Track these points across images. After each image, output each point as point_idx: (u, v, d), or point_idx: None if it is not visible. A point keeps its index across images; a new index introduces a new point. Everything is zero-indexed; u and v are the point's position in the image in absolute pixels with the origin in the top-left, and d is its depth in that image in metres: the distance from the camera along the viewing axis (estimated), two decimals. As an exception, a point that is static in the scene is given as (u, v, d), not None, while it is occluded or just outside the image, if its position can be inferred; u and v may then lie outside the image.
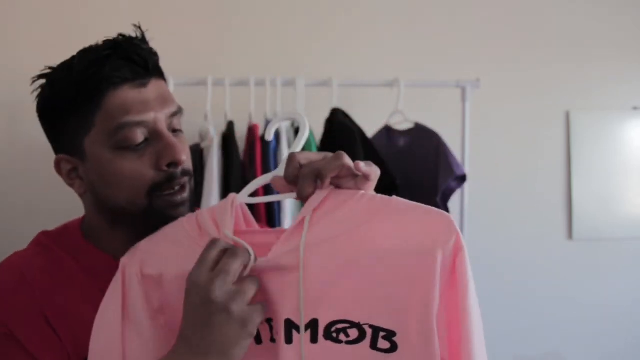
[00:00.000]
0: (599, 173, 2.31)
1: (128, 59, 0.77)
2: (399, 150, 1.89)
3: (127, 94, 0.77)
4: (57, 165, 0.86)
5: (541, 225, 2.28)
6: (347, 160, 0.68)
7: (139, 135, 0.77)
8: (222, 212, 0.72)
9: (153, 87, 0.79)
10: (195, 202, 0.91)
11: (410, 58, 2.14)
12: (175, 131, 0.81)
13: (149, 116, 0.77)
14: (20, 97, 1.90)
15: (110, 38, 0.79)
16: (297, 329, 0.66)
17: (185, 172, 0.81)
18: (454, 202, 1.83)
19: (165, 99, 0.80)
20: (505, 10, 2.22)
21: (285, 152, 1.63)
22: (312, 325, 0.66)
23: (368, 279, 0.66)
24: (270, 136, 0.78)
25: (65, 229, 0.89)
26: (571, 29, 2.27)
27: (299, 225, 0.67)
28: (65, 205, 1.90)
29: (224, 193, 1.62)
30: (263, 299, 0.67)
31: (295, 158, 0.69)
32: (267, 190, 1.62)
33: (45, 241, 0.87)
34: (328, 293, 0.66)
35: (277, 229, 0.74)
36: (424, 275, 0.64)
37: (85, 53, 0.79)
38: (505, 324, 2.16)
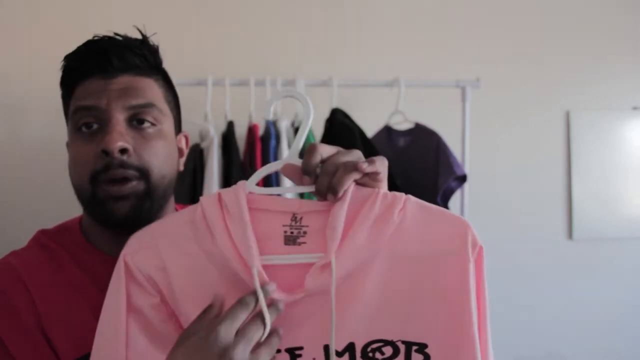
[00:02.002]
0: (599, 173, 2.31)
1: (99, 54, 0.81)
2: (399, 150, 1.89)
3: (92, 84, 0.81)
4: (67, 149, 0.89)
5: (541, 225, 2.27)
6: (360, 158, 0.70)
7: (90, 119, 0.80)
8: (235, 219, 0.69)
9: (121, 81, 0.82)
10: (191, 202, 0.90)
11: (410, 58, 2.14)
12: (142, 123, 0.81)
13: (101, 102, 0.80)
14: (21, 96, 1.91)
15: (99, 35, 0.84)
16: (337, 353, 0.68)
17: (125, 165, 0.78)
18: (454, 202, 1.83)
19: (129, 91, 0.81)
20: (505, 10, 2.22)
21: (285, 152, 1.63)
22: (350, 348, 0.68)
23: (399, 295, 0.68)
24: (269, 114, 0.76)
25: (64, 227, 0.90)
26: (571, 29, 2.27)
27: (327, 263, 0.66)
28: (65, 205, 1.90)
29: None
30: (296, 327, 0.68)
31: (317, 150, 0.69)
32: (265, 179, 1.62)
33: (44, 240, 0.88)
34: (362, 315, 0.68)
35: (286, 200, 0.73)
36: (456, 279, 0.67)
37: (77, 48, 0.84)
38: (506, 325, 2.16)
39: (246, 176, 1.79)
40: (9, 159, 1.91)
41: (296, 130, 1.72)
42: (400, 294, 0.68)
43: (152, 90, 0.84)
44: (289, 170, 0.73)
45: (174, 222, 0.74)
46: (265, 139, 1.66)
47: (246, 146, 1.73)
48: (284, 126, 1.68)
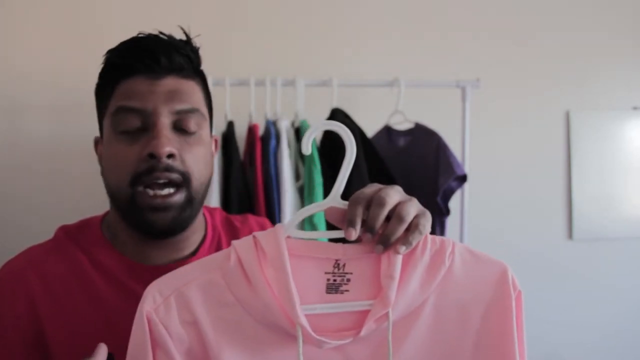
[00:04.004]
0: (599, 173, 2.30)
1: (147, 53, 0.80)
2: (399, 150, 1.89)
3: (137, 83, 0.80)
4: (95, 146, 0.89)
5: (541, 225, 2.27)
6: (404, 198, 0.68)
7: (134, 121, 0.79)
8: (275, 268, 0.66)
9: (167, 82, 0.81)
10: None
11: (410, 58, 2.14)
12: (183, 129, 0.81)
13: (148, 106, 0.79)
14: (22, 96, 1.91)
15: (144, 33, 0.83)
16: None
17: (170, 169, 0.78)
18: (454, 202, 1.83)
19: (175, 95, 0.81)
20: (505, 10, 2.22)
21: (285, 152, 1.62)
22: None
23: (446, 337, 0.69)
24: (308, 149, 0.68)
25: (85, 224, 0.90)
26: (571, 28, 2.27)
27: (385, 315, 0.66)
28: (65, 205, 1.91)
29: (224, 193, 1.62)
30: None
31: (360, 203, 0.66)
32: (267, 193, 1.62)
33: (62, 237, 0.88)
34: (411, 358, 0.69)
35: (328, 246, 0.69)
36: (500, 323, 0.70)
37: (120, 43, 0.83)
38: (506, 324, 2.16)
39: (246, 176, 1.79)
40: (8, 159, 1.91)
41: (296, 130, 1.71)
42: (448, 337, 0.69)
43: (195, 94, 0.84)
44: (332, 214, 0.69)
45: (201, 268, 0.69)
46: (265, 139, 1.66)
47: (246, 146, 1.73)
48: (284, 126, 1.68)
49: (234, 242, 0.69)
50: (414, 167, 1.84)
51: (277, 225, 0.69)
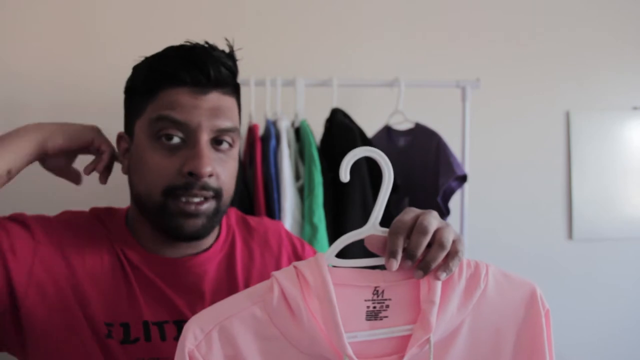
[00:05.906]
0: (598, 173, 2.31)
1: (196, 65, 0.81)
2: (399, 150, 1.89)
3: (182, 95, 0.81)
4: (117, 141, 0.91)
5: (541, 225, 2.27)
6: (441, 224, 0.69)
7: (175, 133, 0.80)
8: (320, 300, 0.65)
9: (211, 98, 0.82)
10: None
11: (410, 58, 2.14)
12: (220, 144, 0.83)
13: (192, 121, 0.80)
14: (22, 96, 1.91)
15: (192, 42, 0.84)
16: None
17: (207, 187, 0.80)
18: (454, 202, 1.83)
19: (218, 112, 0.82)
20: (505, 10, 2.22)
21: (285, 152, 1.62)
22: None
23: (484, 356, 0.71)
24: (346, 177, 0.68)
25: (113, 211, 0.94)
26: (571, 29, 2.27)
27: (425, 341, 0.67)
28: (66, 205, 1.90)
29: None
30: None
31: (401, 233, 0.66)
32: (267, 193, 1.62)
33: (93, 215, 0.92)
34: None
35: (368, 273, 0.70)
36: (532, 341, 0.72)
37: (167, 49, 0.84)
38: (506, 324, 2.16)
39: (246, 176, 1.78)
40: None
41: (296, 130, 1.71)
42: (483, 356, 0.71)
43: (234, 111, 0.87)
44: (371, 241, 0.69)
45: (242, 301, 0.68)
46: (265, 139, 1.66)
47: (246, 146, 1.73)
48: (284, 126, 1.68)
49: (275, 273, 0.69)
50: (414, 167, 1.84)
51: (318, 255, 0.68)
